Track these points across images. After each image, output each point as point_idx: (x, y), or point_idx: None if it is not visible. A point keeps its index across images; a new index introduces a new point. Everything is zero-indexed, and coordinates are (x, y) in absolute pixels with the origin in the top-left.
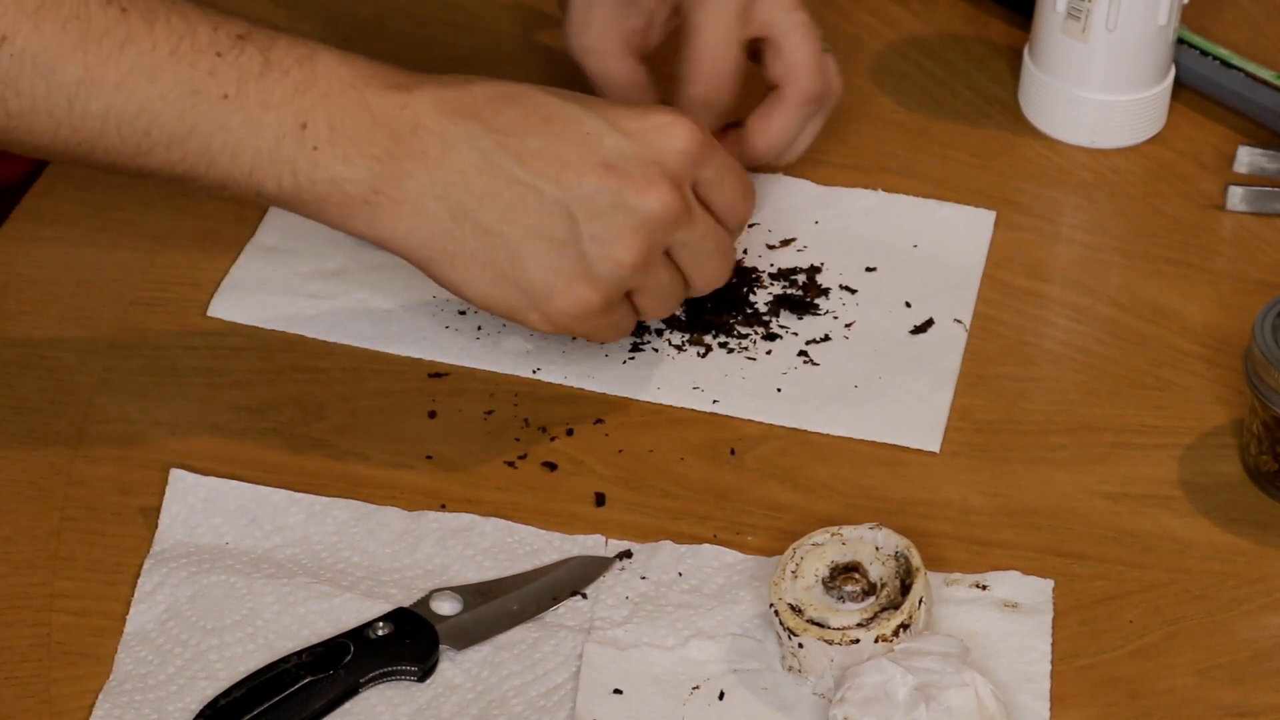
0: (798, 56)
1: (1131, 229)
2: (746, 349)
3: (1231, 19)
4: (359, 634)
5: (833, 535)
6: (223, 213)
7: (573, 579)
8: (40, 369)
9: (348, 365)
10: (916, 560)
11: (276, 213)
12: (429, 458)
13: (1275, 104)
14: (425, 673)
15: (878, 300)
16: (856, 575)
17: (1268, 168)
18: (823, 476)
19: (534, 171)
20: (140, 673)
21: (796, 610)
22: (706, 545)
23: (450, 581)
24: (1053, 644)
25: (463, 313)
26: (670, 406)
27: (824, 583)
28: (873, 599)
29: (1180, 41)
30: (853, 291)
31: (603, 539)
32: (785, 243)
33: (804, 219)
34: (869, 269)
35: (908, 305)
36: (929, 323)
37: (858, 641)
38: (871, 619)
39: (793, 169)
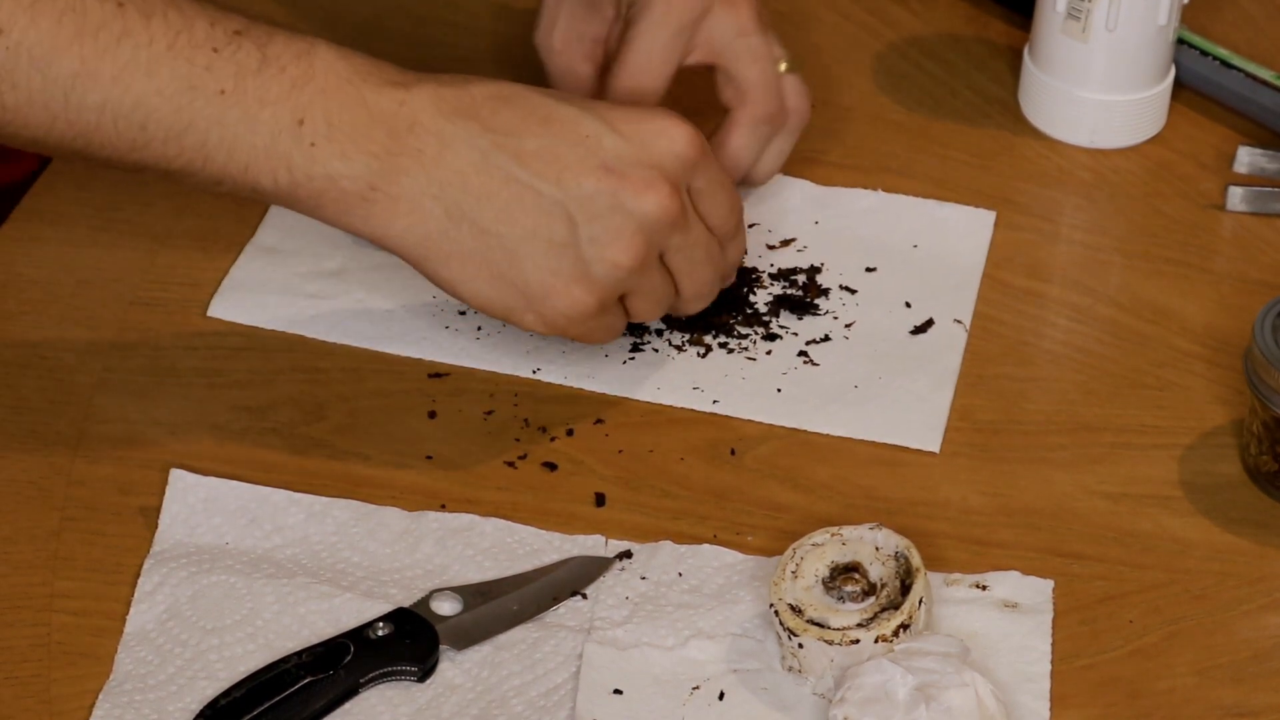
0: (748, 79)
1: (1131, 229)
2: (746, 349)
3: (1231, 19)
4: (359, 634)
5: (833, 535)
6: (223, 213)
7: (573, 579)
8: (40, 369)
9: (348, 365)
10: (916, 560)
11: (276, 213)
12: (429, 458)
13: (1275, 104)
14: (425, 673)
15: (878, 300)
16: (856, 575)
17: (1268, 168)
18: (823, 477)
19: (533, 172)
20: (140, 673)
21: (796, 610)
22: (706, 545)
23: (450, 581)
24: (1053, 644)
25: (463, 313)
26: (670, 407)
27: (824, 583)
28: (873, 599)
29: (1180, 41)
30: (853, 292)
31: (603, 539)
32: (785, 243)
33: (804, 219)
34: (869, 269)
35: (908, 305)
36: (929, 323)
37: (858, 642)
38: (871, 619)
39: (792, 169)
